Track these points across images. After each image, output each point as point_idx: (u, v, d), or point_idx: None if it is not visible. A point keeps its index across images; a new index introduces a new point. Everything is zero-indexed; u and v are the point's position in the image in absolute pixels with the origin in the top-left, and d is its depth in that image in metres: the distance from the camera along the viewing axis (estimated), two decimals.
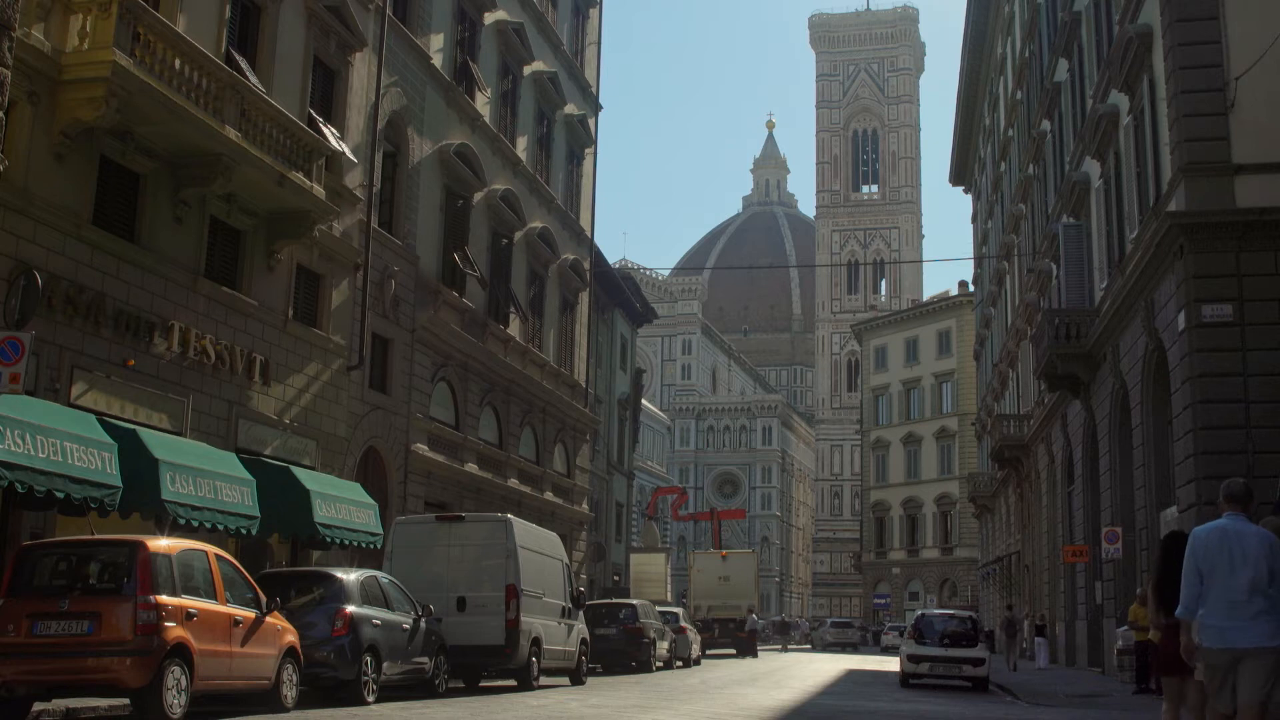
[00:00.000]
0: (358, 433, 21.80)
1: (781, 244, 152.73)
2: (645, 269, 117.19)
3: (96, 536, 11.94)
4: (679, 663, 30.99)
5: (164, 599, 10.77)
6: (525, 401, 30.61)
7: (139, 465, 13.83)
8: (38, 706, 11.07)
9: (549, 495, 32.18)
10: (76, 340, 14.75)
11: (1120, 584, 23.54)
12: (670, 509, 72.07)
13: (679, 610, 35.99)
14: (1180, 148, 18.13)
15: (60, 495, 12.50)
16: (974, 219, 58.24)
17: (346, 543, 18.42)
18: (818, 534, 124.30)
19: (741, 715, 14.11)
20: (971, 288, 65.34)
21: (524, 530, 18.87)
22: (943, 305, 77.08)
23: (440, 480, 25.15)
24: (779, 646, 57.47)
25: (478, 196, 27.70)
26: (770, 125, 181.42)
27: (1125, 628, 20.94)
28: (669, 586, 50.96)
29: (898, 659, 24.88)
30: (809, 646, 63.98)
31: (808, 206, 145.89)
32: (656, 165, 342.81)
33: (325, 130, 20.32)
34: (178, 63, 15.50)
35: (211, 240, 17.71)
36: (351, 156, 21.54)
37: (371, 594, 14.91)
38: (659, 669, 27.89)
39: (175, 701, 10.72)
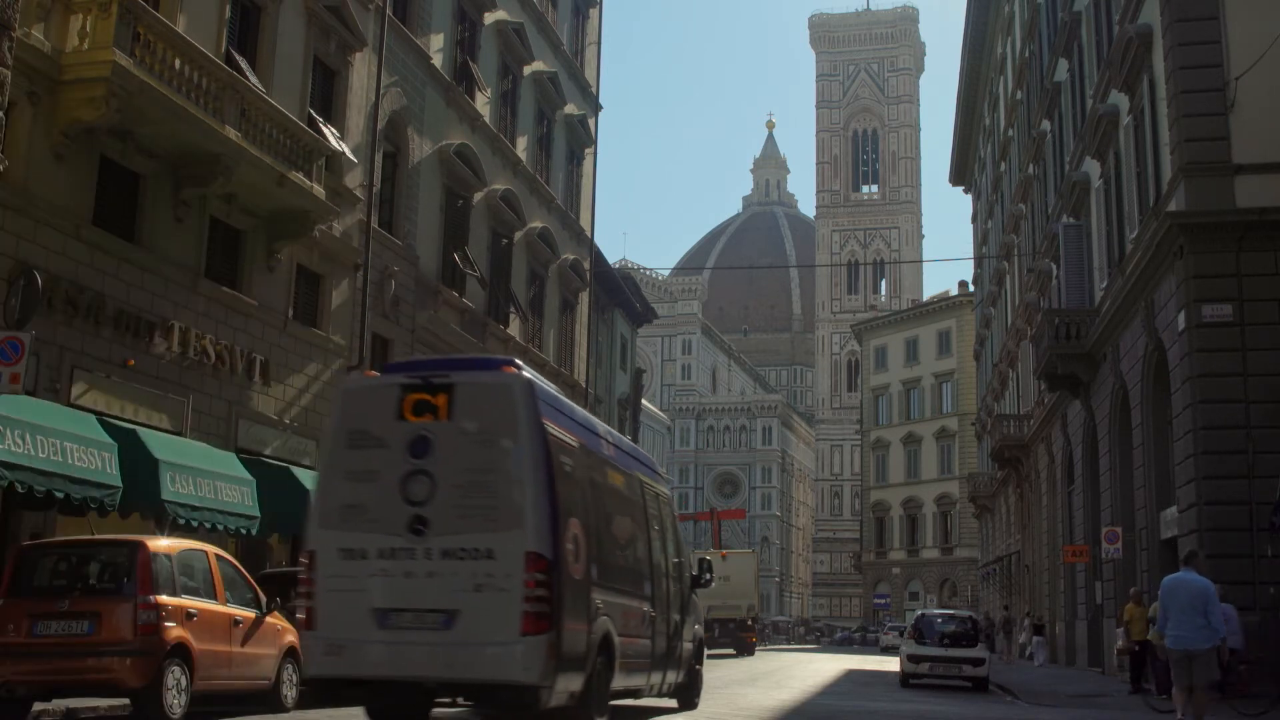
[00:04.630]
0: None
1: (781, 244, 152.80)
2: (645, 269, 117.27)
3: (96, 536, 11.94)
4: None
5: (164, 599, 10.76)
6: None
7: (139, 465, 13.83)
8: (38, 706, 11.06)
9: None
10: (76, 340, 14.74)
11: (1120, 584, 23.50)
12: None
13: None
14: (1180, 148, 18.13)
15: (60, 495, 12.50)
16: (974, 219, 58.22)
17: None
18: (818, 534, 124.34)
19: (741, 715, 14.09)
20: (971, 288, 65.34)
21: None
22: (943, 305, 77.11)
23: None
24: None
25: (478, 196, 27.68)
26: (770, 125, 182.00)
27: (1123, 628, 20.89)
28: None
29: (898, 659, 24.87)
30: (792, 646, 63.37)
31: (808, 206, 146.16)
32: (656, 165, 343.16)
33: (325, 130, 20.31)
34: (178, 63, 15.50)
35: (211, 240, 17.71)
36: (351, 156, 21.53)
37: None
38: None
39: (175, 701, 10.71)
